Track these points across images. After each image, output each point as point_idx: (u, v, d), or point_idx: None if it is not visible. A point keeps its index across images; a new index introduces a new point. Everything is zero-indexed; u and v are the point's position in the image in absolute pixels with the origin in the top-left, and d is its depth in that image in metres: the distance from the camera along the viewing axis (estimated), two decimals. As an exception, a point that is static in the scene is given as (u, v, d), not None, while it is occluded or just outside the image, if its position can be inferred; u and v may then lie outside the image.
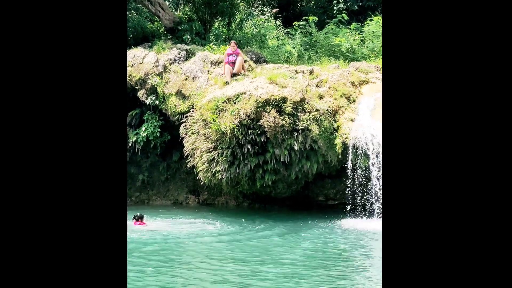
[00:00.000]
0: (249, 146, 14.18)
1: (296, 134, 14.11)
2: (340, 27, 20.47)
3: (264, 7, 28.25)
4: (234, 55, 16.02)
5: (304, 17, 20.79)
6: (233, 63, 15.95)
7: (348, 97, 14.81)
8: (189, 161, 15.58)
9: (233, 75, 15.74)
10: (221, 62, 16.75)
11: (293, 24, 21.04)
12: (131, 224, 12.45)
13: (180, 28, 20.79)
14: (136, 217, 12.68)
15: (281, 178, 14.61)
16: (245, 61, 16.46)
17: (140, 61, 17.19)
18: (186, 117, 15.76)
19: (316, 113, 14.19)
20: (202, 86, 16.13)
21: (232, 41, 16.82)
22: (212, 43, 19.34)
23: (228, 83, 15.53)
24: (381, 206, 12.71)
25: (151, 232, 12.05)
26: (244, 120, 14.19)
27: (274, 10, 27.68)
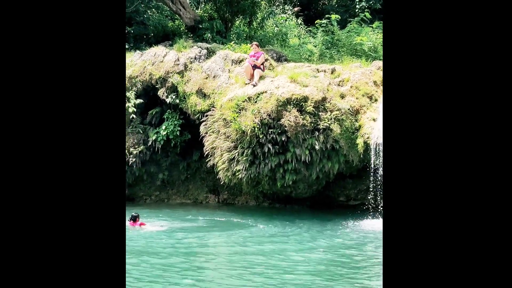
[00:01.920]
0: (269, 146, 14.08)
1: (317, 134, 13.97)
2: (362, 25, 20.24)
3: (286, 6, 28.10)
4: (255, 57, 15.74)
5: (326, 16, 20.62)
6: (254, 67, 15.64)
7: (370, 96, 14.60)
8: (209, 160, 15.50)
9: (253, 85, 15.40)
10: (242, 60, 16.64)
11: (315, 22, 20.87)
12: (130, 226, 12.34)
13: (201, 26, 20.74)
14: (131, 218, 12.45)
15: (301, 178, 14.48)
16: (266, 60, 16.28)
17: (160, 59, 17.14)
18: (207, 116, 15.68)
19: (337, 112, 14.04)
20: (222, 85, 16.04)
21: (254, 43, 16.55)
22: (233, 42, 19.24)
23: (247, 84, 15.37)
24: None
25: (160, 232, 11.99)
26: (265, 119, 14.09)
27: (296, 9, 27.53)
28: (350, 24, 20.16)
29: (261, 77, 15.37)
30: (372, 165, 13.61)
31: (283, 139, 14.04)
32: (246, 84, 15.39)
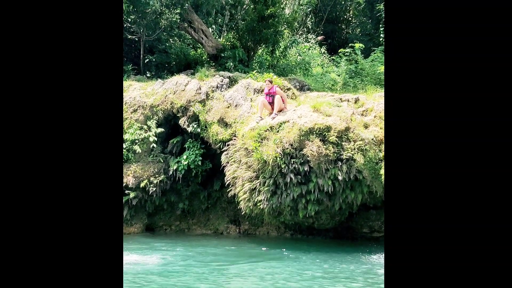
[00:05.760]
0: (291, 176, 13.83)
1: (340, 164, 13.71)
2: (386, 54, 20.04)
3: (309, 35, 28.06)
4: (271, 95, 15.37)
5: (349, 44, 20.47)
6: (270, 103, 15.33)
7: (394, 126, 14.31)
8: (230, 190, 15.29)
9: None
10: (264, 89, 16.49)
11: (339, 51, 20.73)
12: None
13: (223, 55, 20.71)
14: None
15: (324, 208, 14.20)
16: (289, 89, 16.10)
17: (182, 88, 17.06)
18: (228, 145, 15.52)
19: (361, 142, 13.79)
20: (244, 114, 15.88)
21: (267, 80, 15.93)
22: (255, 71, 19.15)
23: (262, 118, 15.03)
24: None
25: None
26: (287, 149, 13.87)
27: (319, 38, 27.44)
28: (374, 53, 20.01)
29: (280, 110, 15.10)
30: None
31: (305, 169, 13.79)
32: (261, 118, 15.04)
